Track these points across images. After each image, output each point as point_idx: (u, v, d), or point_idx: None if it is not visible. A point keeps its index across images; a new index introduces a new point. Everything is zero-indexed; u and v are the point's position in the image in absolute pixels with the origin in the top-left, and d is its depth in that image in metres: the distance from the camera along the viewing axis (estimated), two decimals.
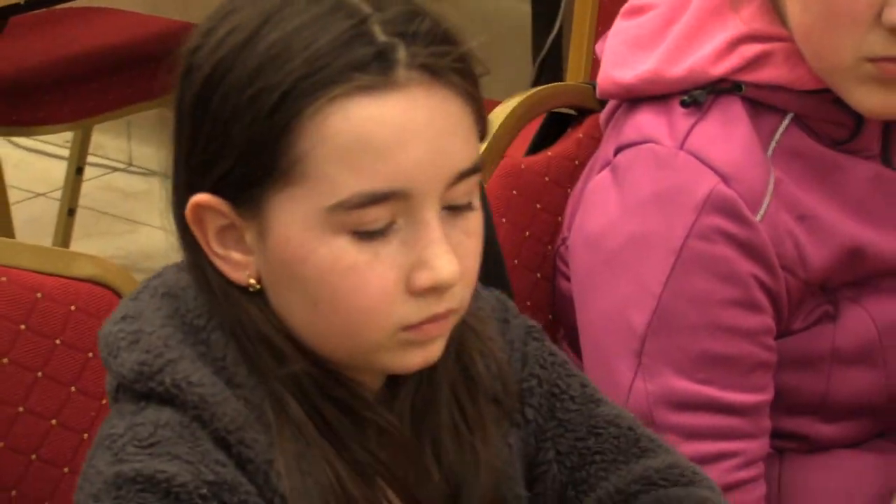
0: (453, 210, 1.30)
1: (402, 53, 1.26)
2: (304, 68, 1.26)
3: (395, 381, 1.41)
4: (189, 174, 1.33)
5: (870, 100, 1.77)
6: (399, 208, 1.27)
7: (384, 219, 1.27)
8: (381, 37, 1.26)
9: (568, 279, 1.92)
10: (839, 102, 1.78)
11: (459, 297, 1.30)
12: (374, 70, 1.25)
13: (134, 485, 1.27)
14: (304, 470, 1.32)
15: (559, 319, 1.97)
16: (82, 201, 4.51)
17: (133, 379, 1.32)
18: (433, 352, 1.33)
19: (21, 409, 1.66)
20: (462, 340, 1.43)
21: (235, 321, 1.35)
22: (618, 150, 1.82)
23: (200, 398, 1.32)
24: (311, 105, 1.26)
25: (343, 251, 1.28)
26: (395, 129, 1.28)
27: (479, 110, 1.33)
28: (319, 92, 1.26)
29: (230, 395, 1.33)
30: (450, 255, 1.27)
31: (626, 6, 1.95)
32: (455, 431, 1.43)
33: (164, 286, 1.40)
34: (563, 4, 3.72)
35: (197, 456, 1.30)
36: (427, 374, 1.40)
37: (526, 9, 4.15)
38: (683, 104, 1.77)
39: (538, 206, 1.98)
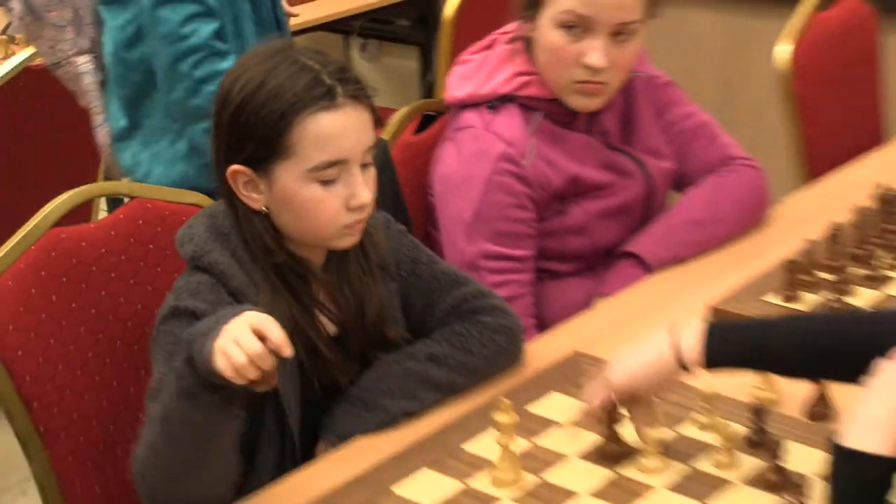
0: (365, 167, 1.76)
1: (339, 90, 1.72)
2: (292, 100, 1.70)
3: (330, 256, 1.84)
4: (228, 156, 1.75)
5: (577, 103, 2.33)
6: (341, 168, 1.73)
7: (334, 174, 1.73)
8: (328, 81, 1.71)
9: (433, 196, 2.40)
10: (564, 105, 2.34)
11: (368, 212, 1.78)
12: (327, 99, 1.71)
13: (179, 314, 1.73)
14: (275, 309, 1.69)
15: (431, 223, 2.46)
16: None
17: (189, 259, 1.77)
18: (356, 238, 1.81)
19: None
20: (365, 233, 1.84)
21: (249, 230, 1.77)
22: (455, 131, 2.36)
23: (222, 271, 1.75)
24: (296, 119, 1.70)
25: (314, 192, 1.74)
26: (339, 128, 1.73)
27: (375, 115, 1.78)
28: (300, 113, 1.70)
29: (238, 270, 1.76)
30: (367, 190, 1.75)
31: (458, 59, 2.45)
32: (359, 277, 1.87)
33: (208, 212, 1.83)
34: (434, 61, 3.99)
35: (215, 300, 1.72)
36: (346, 251, 1.83)
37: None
38: (489, 107, 2.35)
39: (418, 161, 2.47)
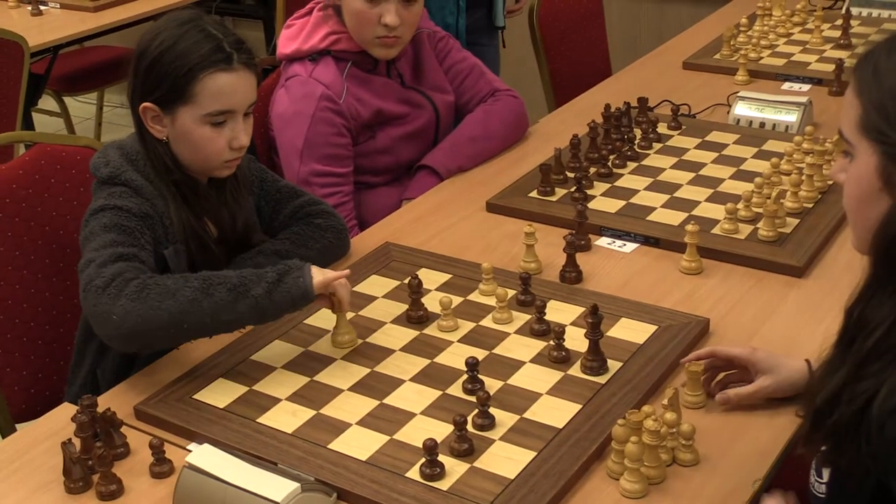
0: (246, 116, 1.74)
1: (236, 57, 1.70)
2: (198, 60, 1.67)
3: (211, 179, 1.81)
4: (142, 95, 1.71)
5: (379, 53, 2.29)
6: (229, 116, 1.71)
7: (223, 119, 1.70)
8: (227, 49, 1.69)
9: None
10: (368, 55, 2.31)
11: (244, 150, 1.76)
12: (226, 63, 1.69)
13: (108, 208, 1.66)
14: (176, 216, 1.72)
15: (273, 151, 2.39)
16: None
17: (107, 179, 1.71)
18: (232, 171, 1.78)
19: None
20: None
21: (154, 154, 1.73)
22: (285, 80, 2.31)
23: (136, 186, 1.71)
24: (200, 75, 1.67)
25: (206, 132, 1.71)
26: (232, 86, 1.70)
27: (259, 79, 1.77)
28: (204, 70, 1.67)
29: (148, 185, 1.71)
30: (246, 135, 1.74)
31: (285, 24, 2.38)
32: (233, 195, 1.85)
33: (117, 145, 1.75)
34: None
35: (134, 202, 1.68)
36: (223, 179, 1.81)
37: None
38: (310, 60, 2.30)
39: (260, 104, 2.03)
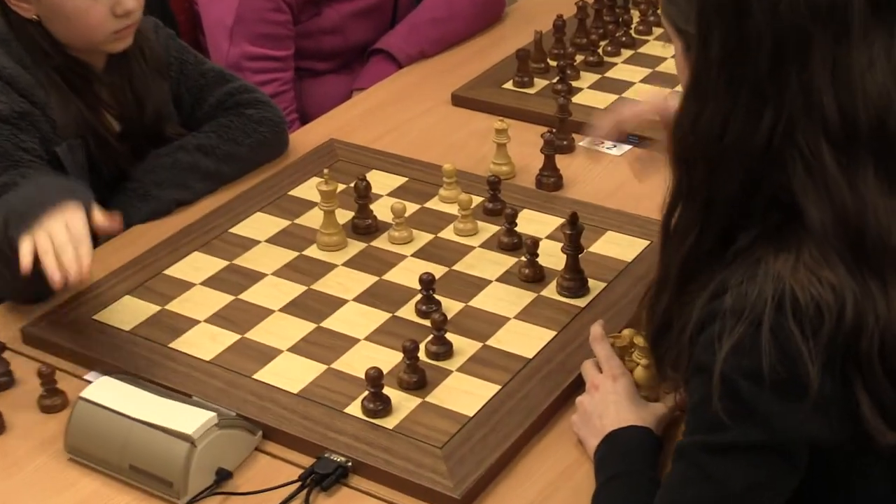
0: None
1: None
2: None
3: (111, 59, 1.76)
4: None
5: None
6: None
7: None
8: None
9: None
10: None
11: (135, 17, 1.69)
12: None
13: None
14: (64, 108, 1.67)
15: (199, 29, 2.38)
16: None
17: None
18: (128, 42, 1.72)
19: None
20: (141, 36, 1.78)
21: (25, 37, 1.67)
22: None
23: (9, 74, 1.65)
24: None
25: (79, 1, 1.64)
26: None
27: None
28: None
29: (24, 73, 1.66)
30: (132, 0, 1.66)
31: None
32: (140, 78, 1.80)
33: None
34: None
35: (9, 100, 1.63)
36: (126, 53, 1.76)
37: None
38: None
39: None
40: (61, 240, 1.42)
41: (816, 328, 1.01)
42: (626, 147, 1.99)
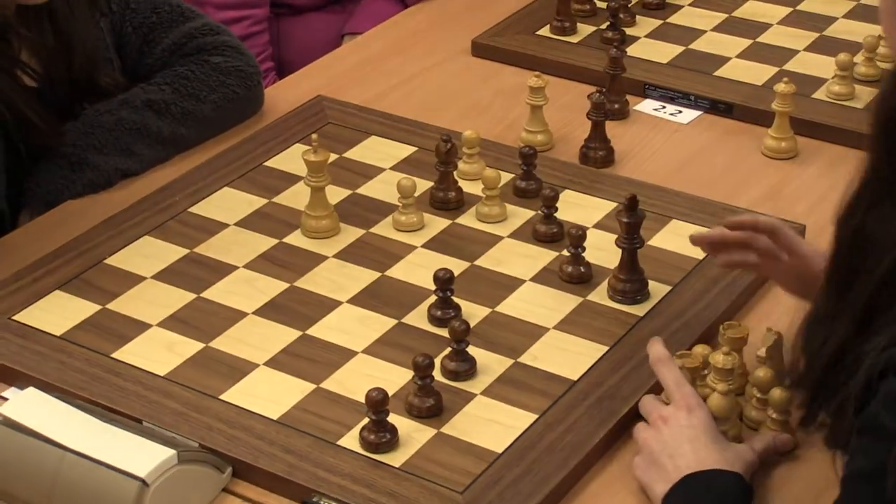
0: None
1: None
2: None
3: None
4: None
5: None
6: None
7: None
8: None
9: None
10: None
11: None
12: None
13: None
14: None
15: None
16: None
17: None
18: None
19: None
20: None
21: None
22: None
23: None
24: None
25: None
26: None
27: None
28: None
29: None
30: None
31: None
32: (65, 16, 1.77)
33: None
34: None
35: None
36: None
37: None
38: None
39: None
40: None
41: None
42: (696, 113, 2.00)
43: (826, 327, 1.14)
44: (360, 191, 1.81)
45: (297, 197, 1.78)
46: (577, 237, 1.63)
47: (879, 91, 1.10)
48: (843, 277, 1.14)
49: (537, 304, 1.61)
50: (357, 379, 1.48)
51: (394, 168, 1.85)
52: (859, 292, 1.10)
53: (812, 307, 1.19)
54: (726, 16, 2.24)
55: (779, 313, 1.58)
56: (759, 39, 2.16)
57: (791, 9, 2.25)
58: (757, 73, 2.06)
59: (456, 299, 1.58)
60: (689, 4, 2.27)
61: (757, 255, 1.51)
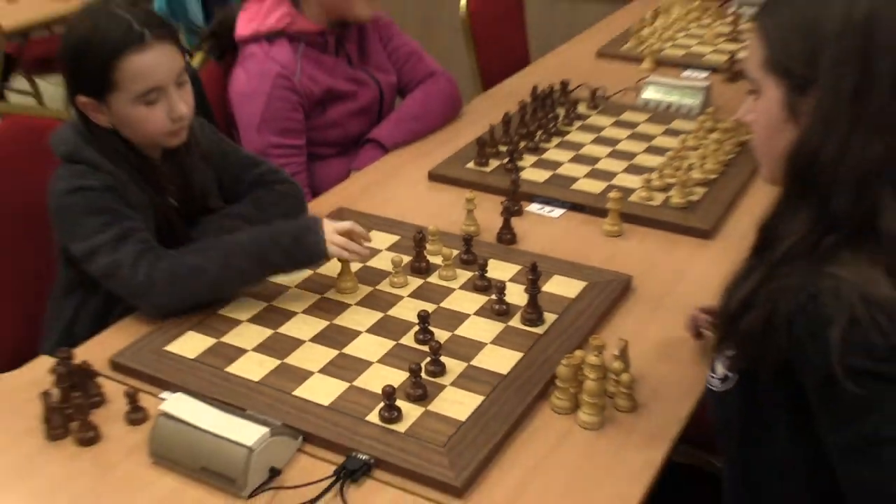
0: (180, 85, 1.58)
1: (147, 33, 1.51)
2: (111, 48, 1.50)
3: (167, 151, 1.66)
4: (73, 89, 1.56)
5: (364, 11, 2.16)
6: (159, 92, 1.55)
7: (155, 97, 1.54)
8: (137, 28, 1.51)
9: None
10: (323, 36, 2.16)
11: (188, 119, 1.61)
12: (138, 43, 1.51)
13: (77, 190, 1.54)
14: (134, 192, 1.59)
15: (233, 126, 2.23)
16: None
17: (65, 156, 1.57)
18: (182, 138, 1.63)
19: None
20: (191, 132, 1.67)
21: (104, 142, 1.58)
22: (243, 59, 2.18)
23: (95, 164, 1.56)
24: (115, 63, 1.51)
25: (141, 112, 1.55)
26: (151, 64, 1.52)
27: (180, 45, 1.58)
28: (118, 56, 1.51)
29: (108, 164, 1.57)
30: (183, 104, 1.57)
31: (243, 7, 2.22)
32: (189, 166, 1.72)
33: (72, 123, 1.61)
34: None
35: (97, 178, 1.55)
36: (179, 148, 1.66)
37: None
38: (267, 40, 2.17)
39: (220, 83, 2.24)
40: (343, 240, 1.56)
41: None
42: (562, 211, 1.96)
43: (743, 279, 1.09)
44: (369, 264, 1.76)
45: (333, 268, 1.72)
46: (500, 288, 1.60)
47: (793, 143, 1.05)
48: (759, 252, 1.10)
49: (479, 329, 1.57)
50: (374, 379, 1.44)
51: (388, 249, 1.80)
52: (769, 256, 1.06)
53: (732, 275, 1.13)
54: (575, 153, 2.21)
55: (623, 330, 1.56)
56: (595, 167, 2.14)
57: (611, 148, 2.22)
58: (595, 187, 2.03)
59: (431, 328, 1.53)
60: (554, 147, 2.24)
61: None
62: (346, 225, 1.58)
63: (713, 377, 1.19)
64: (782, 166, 1.06)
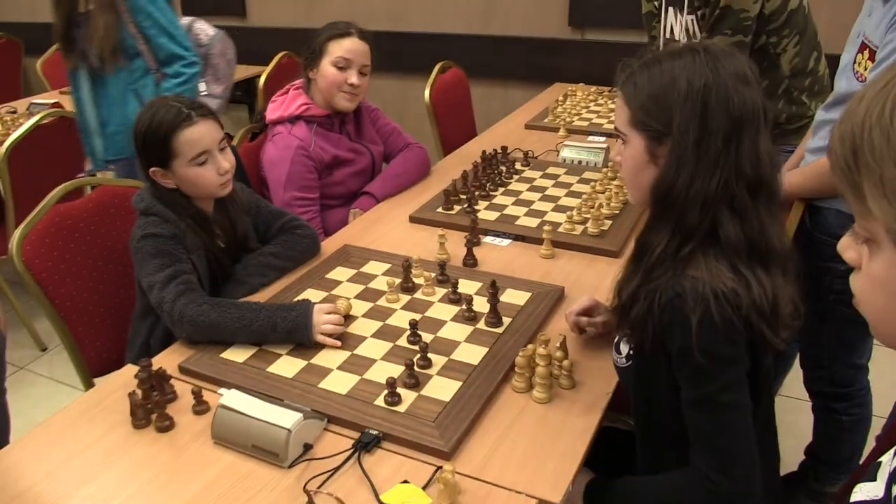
0: (222, 150, 1.53)
1: (194, 114, 1.48)
2: (168, 126, 1.48)
3: (217, 204, 1.60)
4: (146, 163, 1.51)
5: (343, 105, 2.07)
6: (208, 154, 1.50)
7: (205, 158, 1.50)
8: (186, 111, 1.48)
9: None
10: (330, 118, 2.11)
11: (231, 173, 1.55)
12: (188, 120, 1.48)
13: (148, 236, 1.47)
14: (191, 237, 1.52)
15: (265, 186, 2.15)
16: None
17: (143, 210, 1.51)
18: (229, 188, 1.56)
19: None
20: (234, 191, 1.61)
21: (171, 201, 1.52)
22: (272, 136, 2.10)
23: (165, 216, 1.50)
24: (172, 136, 1.48)
25: (197, 171, 1.50)
26: (198, 135, 1.48)
27: (219, 122, 1.53)
28: (175, 131, 1.48)
29: (174, 216, 1.50)
30: (226, 161, 1.53)
31: (272, 99, 2.16)
32: (233, 215, 1.61)
33: (148, 186, 1.54)
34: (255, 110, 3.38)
35: (164, 228, 1.49)
36: (225, 201, 1.60)
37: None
38: (289, 122, 2.12)
39: (254, 156, 2.15)
40: (328, 327, 1.43)
41: (738, 303, 0.98)
42: (509, 240, 1.90)
43: (629, 281, 1.09)
44: (369, 285, 1.69)
45: (342, 290, 1.66)
46: (468, 300, 1.55)
47: (655, 179, 1.05)
48: (638, 259, 1.09)
49: (455, 331, 1.51)
50: (379, 372, 1.38)
51: (383, 274, 1.74)
52: (645, 263, 1.06)
53: (620, 275, 1.13)
54: (515, 198, 2.16)
55: (561, 327, 1.52)
56: (531, 207, 2.10)
57: (541, 194, 2.18)
58: (532, 222, 1.99)
59: (420, 332, 1.48)
60: (500, 195, 2.18)
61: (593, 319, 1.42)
62: (330, 307, 1.46)
63: (619, 357, 1.17)
64: (647, 195, 1.06)
